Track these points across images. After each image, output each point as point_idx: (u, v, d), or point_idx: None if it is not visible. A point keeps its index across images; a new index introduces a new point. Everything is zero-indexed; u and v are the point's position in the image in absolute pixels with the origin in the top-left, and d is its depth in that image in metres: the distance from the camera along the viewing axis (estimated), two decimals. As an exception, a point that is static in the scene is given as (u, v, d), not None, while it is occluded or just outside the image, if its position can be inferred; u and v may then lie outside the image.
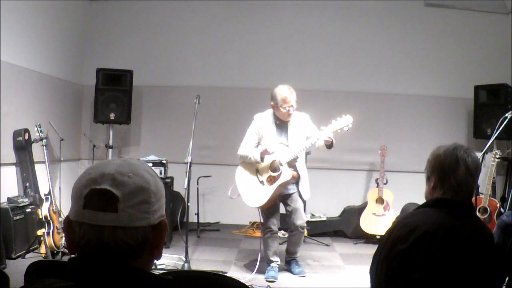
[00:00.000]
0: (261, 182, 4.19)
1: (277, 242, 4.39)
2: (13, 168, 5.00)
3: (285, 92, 4.11)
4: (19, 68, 5.03)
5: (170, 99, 6.70)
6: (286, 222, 4.44)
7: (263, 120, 4.28)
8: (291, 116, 4.19)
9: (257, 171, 4.22)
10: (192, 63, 6.73)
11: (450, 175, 1.80)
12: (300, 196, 4.28)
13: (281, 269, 4.42)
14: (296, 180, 4.18)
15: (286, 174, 4.09)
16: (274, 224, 4.29)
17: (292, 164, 4.15)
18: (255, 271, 4.28)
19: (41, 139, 4.86)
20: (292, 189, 4.26)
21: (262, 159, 4.12)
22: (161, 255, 1.03)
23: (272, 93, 4.21)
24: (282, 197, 4.30)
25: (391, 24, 6.60)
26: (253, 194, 4.20)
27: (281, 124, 4.25)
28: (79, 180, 0.97)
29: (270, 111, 4.29)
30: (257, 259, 4.30)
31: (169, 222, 5.09)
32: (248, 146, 4.24)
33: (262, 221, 4.35)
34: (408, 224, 1.73)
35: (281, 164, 4.10)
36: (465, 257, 1.69)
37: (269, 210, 4.26)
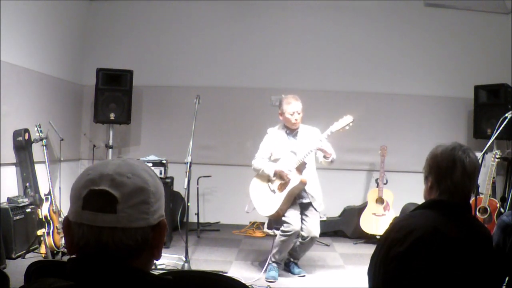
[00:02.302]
0: (273, 190, 4.30)
1: (290, 247, 4.37)
2: (13, 168, 5.00)
3: (290, 99, 4.33)
4: (19, 68, 5.02)
5: (170, 99, 6.70)
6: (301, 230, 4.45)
7: (274, 132, 4.47)
8: (299, 125, 4.35)
9: (268, 181, 4.35)
10: (192, 63, 6.73)
11: (446, 176, 1.76)
12: (313, 207, 4.34)
13: (281, 269, 4.42)
14: (305, 184, 4.22)
15: (294, 179, 4.18)
16: (293, 228, 4.22)
17: (300, 170, 4.21)
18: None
19: (41, 139, 4.86)
20: (306, 198, 4.34)
21: (275, 175, 4.26)
22: (160, 255, 1.03)
23: (279, 102, 4.41)
24: (299, 206, 4.34)
25: (391, 24, 6.60)
26: (265, 203, 4.31)
27: (291, 133, 4.39)
28: (78, 181, 0.97)
29: (280, 124, 4.47)
30: (257, 259, 4.28)
31: (169, 222, 5.10)
32: (261, 158, 4.39)
33: (278, 226, 4.41)
34: (405, 226, 1.72)
35: (289, 170, 4.18)
36: (463, 259, 1.67)
37: (285, 215, 4.26)
